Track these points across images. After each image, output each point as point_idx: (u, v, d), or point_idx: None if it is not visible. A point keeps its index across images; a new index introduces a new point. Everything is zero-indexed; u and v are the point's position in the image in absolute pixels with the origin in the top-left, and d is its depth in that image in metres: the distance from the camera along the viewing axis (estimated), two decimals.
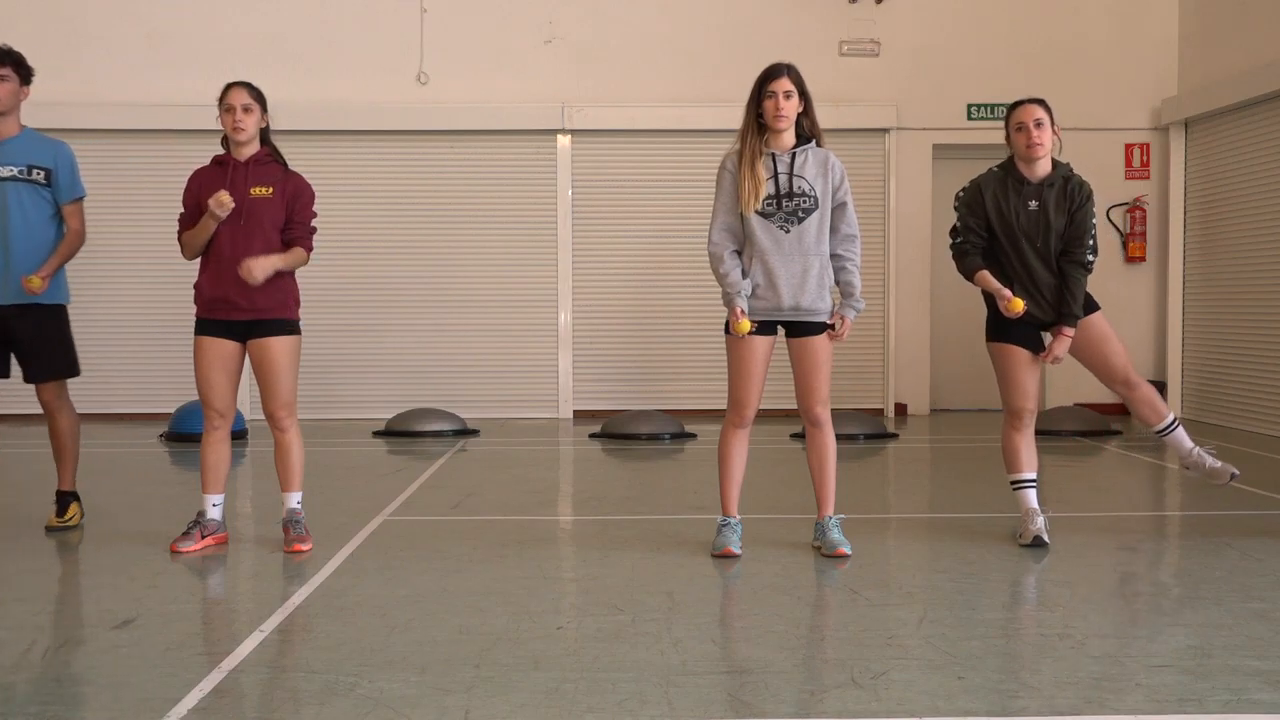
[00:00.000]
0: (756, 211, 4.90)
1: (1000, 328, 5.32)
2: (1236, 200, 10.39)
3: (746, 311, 4.90)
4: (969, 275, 5.31)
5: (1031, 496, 5.35)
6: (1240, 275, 10.31)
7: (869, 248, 11.13)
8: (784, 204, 4.91)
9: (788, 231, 4.92)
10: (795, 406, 5.14)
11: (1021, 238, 5.17)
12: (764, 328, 5.01)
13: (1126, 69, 11.20)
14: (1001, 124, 5.43)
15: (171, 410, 9.88)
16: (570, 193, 11.29)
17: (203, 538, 5.21)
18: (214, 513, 5.28)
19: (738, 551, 5.04)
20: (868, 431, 9.50)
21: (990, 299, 5.35)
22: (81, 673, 3.46)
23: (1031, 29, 11.31)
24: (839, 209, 5.01)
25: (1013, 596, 4.48)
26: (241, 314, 5.13)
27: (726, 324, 5.04)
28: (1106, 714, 3.11)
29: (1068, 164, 5.29)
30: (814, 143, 5.00)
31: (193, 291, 5.24)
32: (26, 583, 4.63)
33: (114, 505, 6.51)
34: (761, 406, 5.21)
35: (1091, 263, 5.25)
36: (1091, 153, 10.74)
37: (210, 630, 4.03)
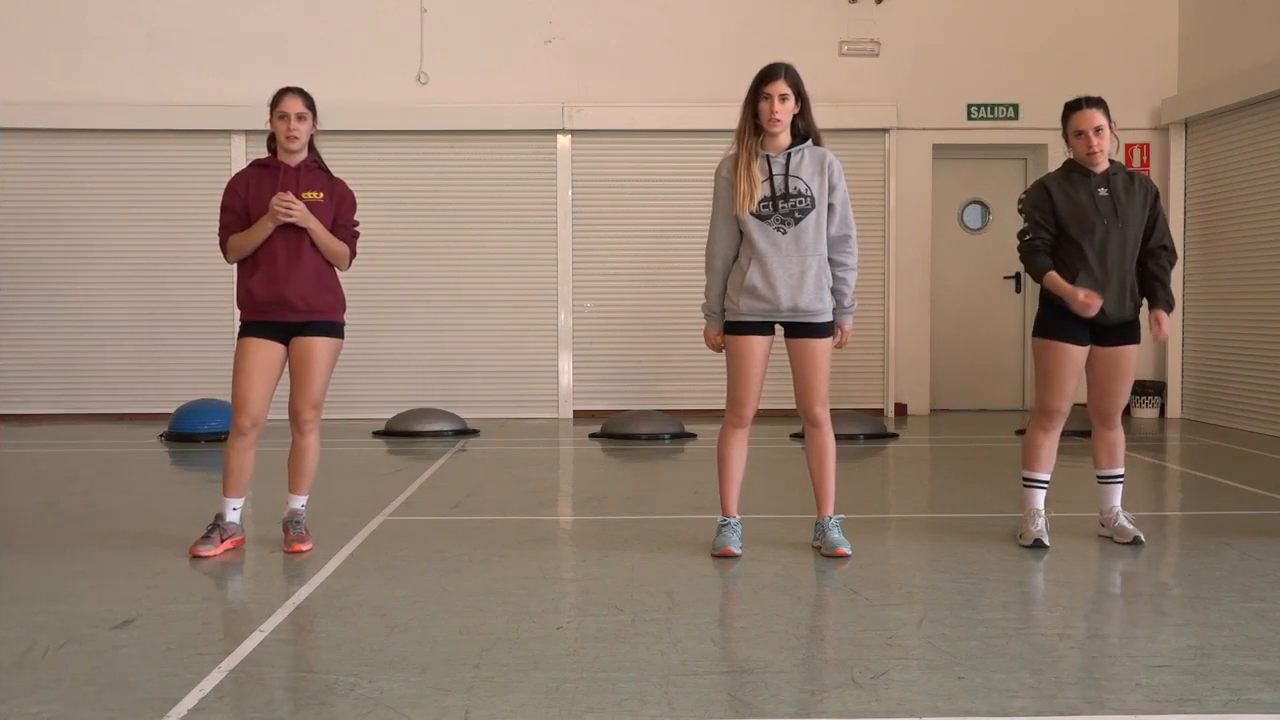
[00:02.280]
0: (752, 213, 4.90)
1: (1052, 325, 5.24)
2: (1236, 200, 10.39)
3: (721, 334, 5.09)
4: (1038, 274, 5.25)
5: (1039, 498, 5.34)
6: (1240, 275, 10.31)
7: (869, 248, 11.13)
8: (780, 205, 4.90)
9: (784, 233, 4.91)
10: (795, 406, 5.14)
11: (1096, 222, 5.10)
12: (762, 328, 5.02)
13: (1126, 69, 11.20)
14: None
15: (171, 410, 9.87)
16: (570, 193, 11.28)
17: (222, 541, 5.18)
18: (233, 516, 5.22)
19: (738, 551, 5.03)
20: (868, 431, 9.50)
21: (1046, 295, 5.29)
22: (81, 673, 3.46)
23: (1031, 29, 11.31)
24: (832, 210, 4.98)
25: (1013, 596, 4.48)
26: (296, 315, 5.13)
27: (725, 324, 5.06)
28: (1106, 714, 3.11)
29: (1120, 162, 5.30)
30: (810, 141, 4.99)
31: (237, 295, 5.20)
32: (26, 583, 4.63)
33: (114, 505, 6.51)
34: (761, 406, 5.21)
35: (1175, 256, 5.32)
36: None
37: (210, 630, 4.02)
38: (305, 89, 5.24)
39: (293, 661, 3.64)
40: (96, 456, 8.71)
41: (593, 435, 9.67)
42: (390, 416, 10.16)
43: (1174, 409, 11.12)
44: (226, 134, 11.02)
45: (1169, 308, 5.23)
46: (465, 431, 9.87)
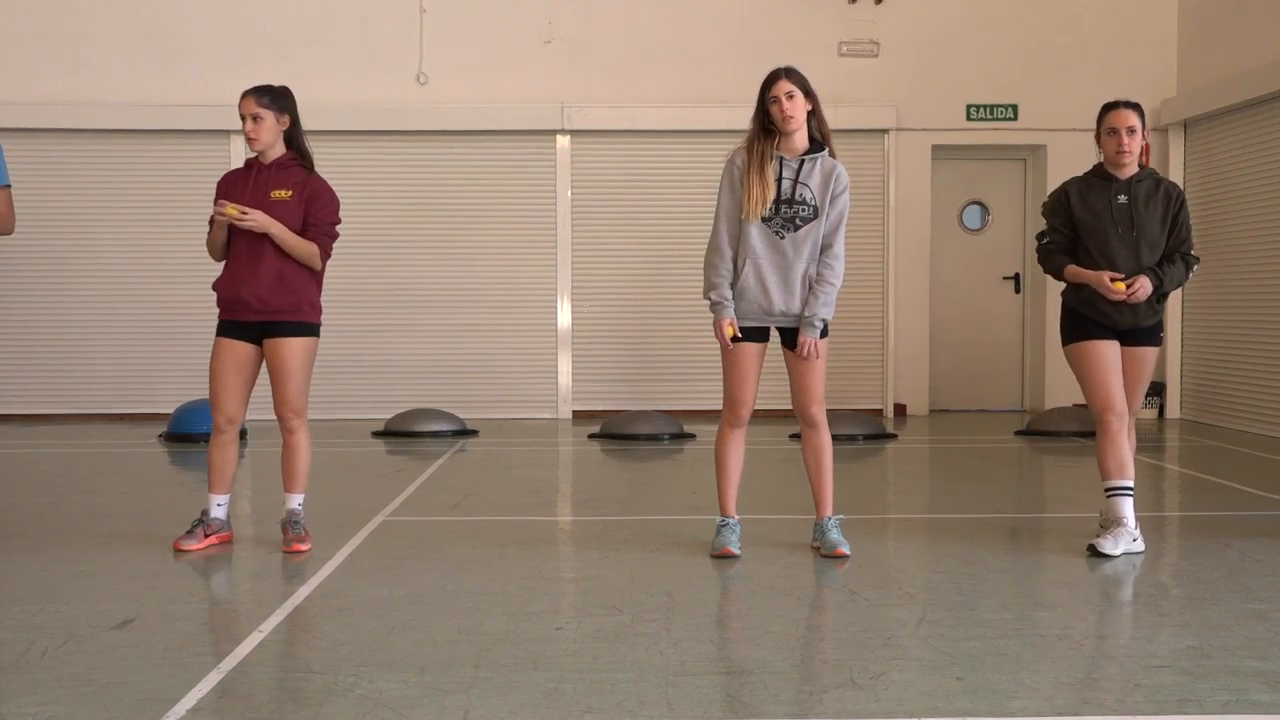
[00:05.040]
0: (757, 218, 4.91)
1: (1077, 329, 5.20)
2: (1236, 201, 10.39)
3: (735, 323, 4.96)
4: (1057, 273, 5.25)
5: (1121, 505, 5.06)
6: (1240, 276, 10.31)
7: (868, 248, 11.13)
8: (783, 210, 4.91)
9: (782, 238, 4.91)
10: (792, 407, 5.14)
11: (1110, 229, 5.08)
12: (757, 333, 5.02)
13: (1126, 69, 11.19)
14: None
15: (171, 410, 9.88)
16: (570, 193, 11.28)
17: (206, 536, 5.21)
18: (218, 512, 5.28)
19: (737, 552, 5.04)
20: (866, 432, 9.49)
21: (1067, 302, 5.27)
22: (81, 673, 3.46)
23: (1031, 29, 11.31)
24: (830, 222, 4.95)
25: (1012, 596, 4.48)
26: (254, 315, 5.13)
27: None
28: (1106, 714, 3.12)
29: (1153, 169, 5.27)
30: (825, 151, 4.99)
31: (210, 292, 5.25)
32: (26, 583, 4.63)
33: (113, 505, 6.51)
34: (760, 407, 5.21)
35: (1197, 261, 5.26)
36: (1092, 153, 10.73)
37: (210, 630, 4.03)
38: (273, 86, 5.20)
39: (292, 662, 3.64)
40: (96, 456, 8.71)
41: (592, 436, 9.67)
42: (389, 417, 10.16)
43: (1173, 410, 11.12)
44: (226, 134, 11.01)
45: (1155, 277, 5.06)
46: (464, 432, 9.87)
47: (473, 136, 11.26)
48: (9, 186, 5.41)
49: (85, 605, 4.25)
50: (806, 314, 4.93)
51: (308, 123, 11.36)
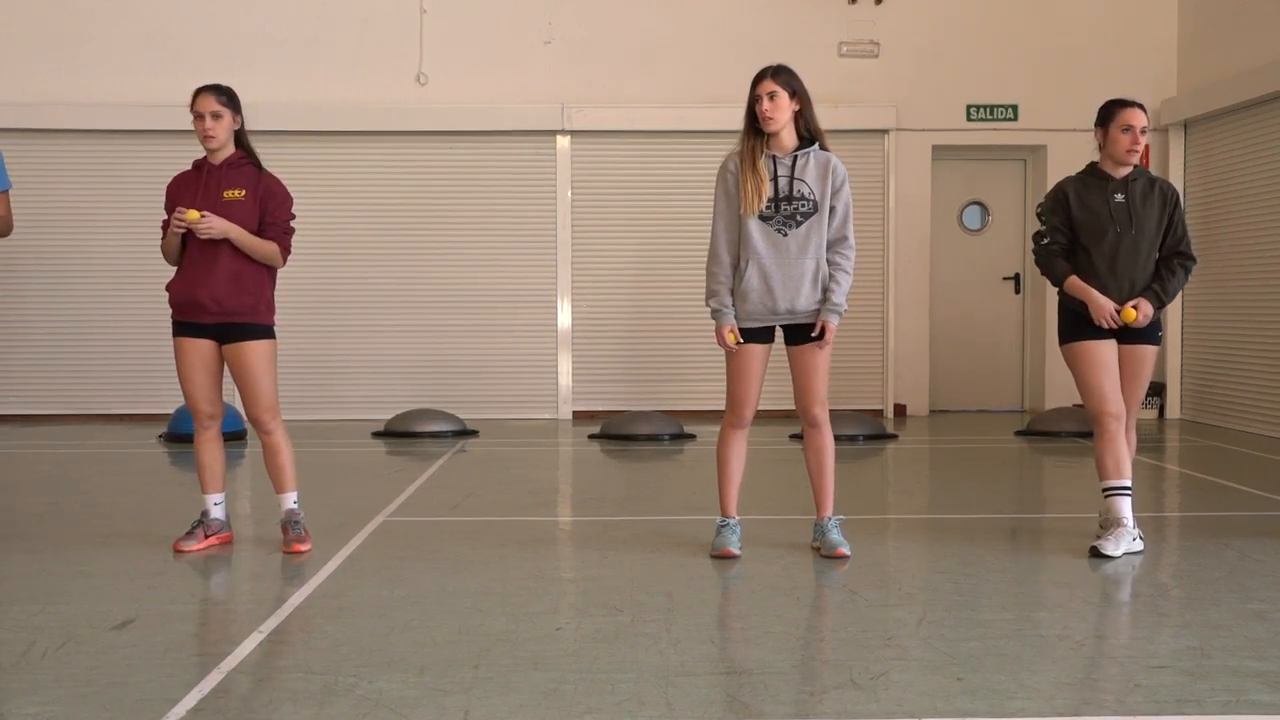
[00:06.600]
0: (756, 214, 4.91)
1: (1075, 329, 5.19)
2: (1236, 201, 10.39)
3: (735, 329, 4.98)
4: (1058, 280, 5.23)
5: (1120, 505, 5.06)
6: (1240, 276, 10.31)
7: (868, 249, 11.12)
8: (782, 207, 4.91)
9: (785, 235, 4.91)
10: (794, 407, 5.14)
11: (1109, 227, 5.08)
12: (761, 333, 5.02)
13: (1126, 70, 11.19)
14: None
15: (170, 411, 9.88)
16: (570, 194, 11.28)
17: (206, 537, 5.21)
18: (216, 511, 5.28)
19: (737, 552, 5.04)
20: (867, 432, 9.49)
21: (1064, 301, 5.26)
22: (81, 673, 3.46)
23: (1031, 30, 11.31)
24: (833, 212, 4.98)
25: (1012, 597, 4.48)
26: (210, 317, 5.12)
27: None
28: (1105, 714, 3.12)
29: (1145, 168, 5.26)
30: (816, 145, 4.99)
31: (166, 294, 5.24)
32: (26, 583, 4.63)
33: (114, 505, 6.51)
34: (761, 407, 5.21)
35: (1194, 262, 5.23)
36: (1091, 153, 10.73)
37: (210, 631, 4.03)
38: (224, 85, 5.19)
39: (292, 662, 3.64)
40: (96, 456, 8.71)
41: (592, 436, 9.66)
42: (389, 417, 10.16)
43: (1173, 410, 11.13)
44: None
45: (1156, 299, 5.10)
46: (464, 432, 9.87)
47: (473, 137, 11.25)
48: (8, 190, 5.44)
49: (85, 605, 4.25)
50: (832, 300, 4.93)
51: (307, 123, 11.43)
